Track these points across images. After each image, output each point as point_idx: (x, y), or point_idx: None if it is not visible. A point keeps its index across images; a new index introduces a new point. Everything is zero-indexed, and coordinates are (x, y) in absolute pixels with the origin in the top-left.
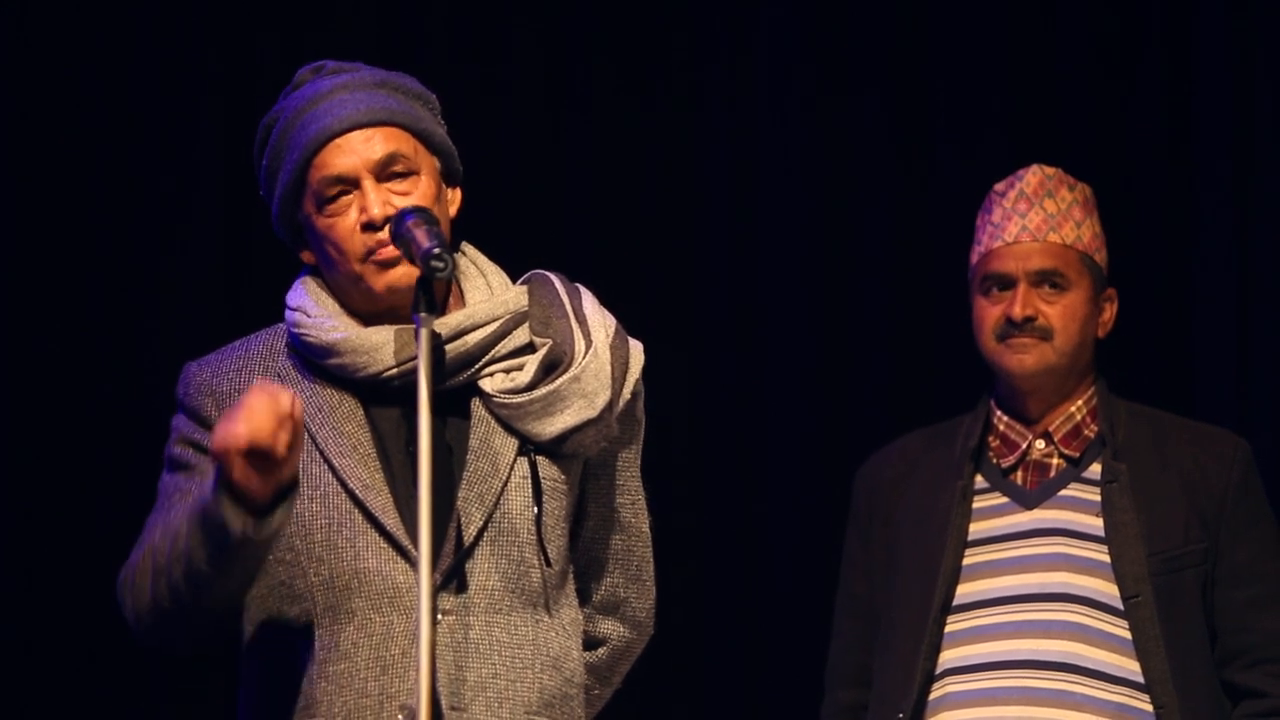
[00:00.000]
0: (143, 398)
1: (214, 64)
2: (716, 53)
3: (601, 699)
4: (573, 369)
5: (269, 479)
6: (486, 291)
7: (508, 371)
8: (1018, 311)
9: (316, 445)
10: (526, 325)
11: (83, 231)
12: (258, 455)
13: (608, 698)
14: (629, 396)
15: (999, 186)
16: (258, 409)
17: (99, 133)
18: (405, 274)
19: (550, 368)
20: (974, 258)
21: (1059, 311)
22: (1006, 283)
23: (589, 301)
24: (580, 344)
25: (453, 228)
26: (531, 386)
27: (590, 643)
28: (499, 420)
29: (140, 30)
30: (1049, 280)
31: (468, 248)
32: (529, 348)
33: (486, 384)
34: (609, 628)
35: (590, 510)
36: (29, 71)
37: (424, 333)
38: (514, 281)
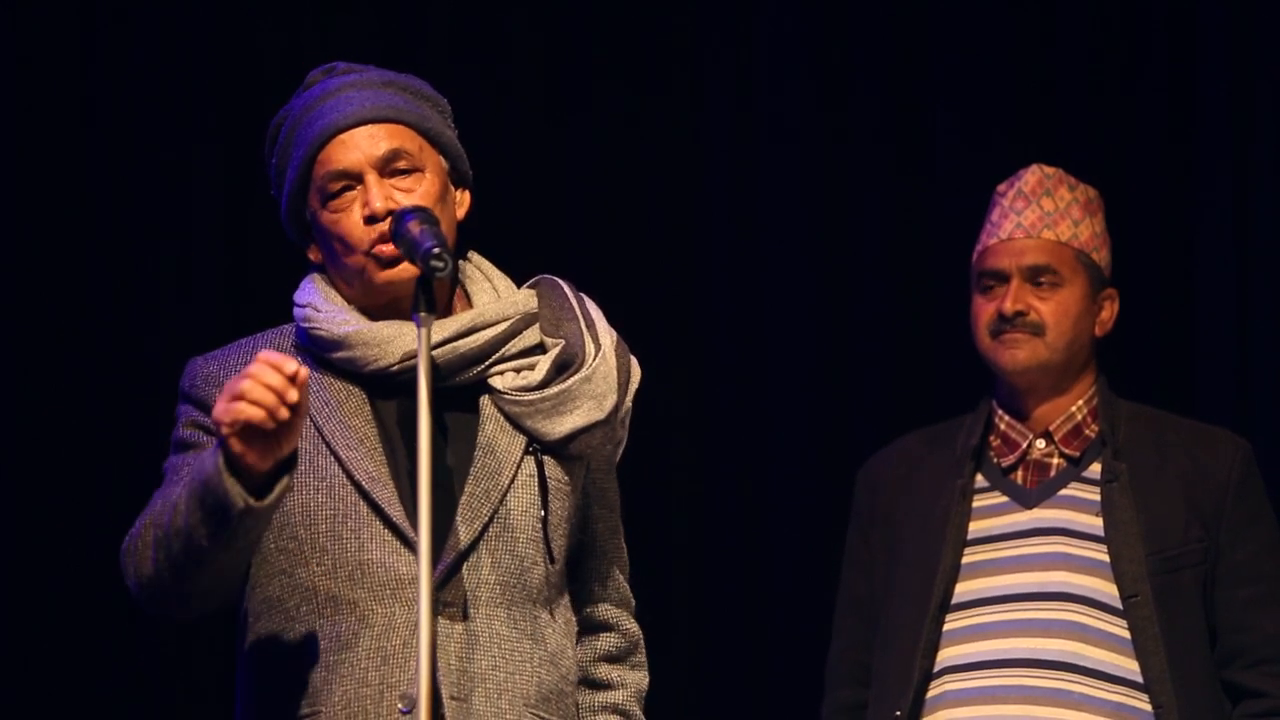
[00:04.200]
0: (143, 400)
1: (214, 64)
2: (717, 53)
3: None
4: (584, 370)
5: (269, 451)
6: (493, 294)
7: (519, 370)
8: (1008, 306)
9: (323, 438)
10: (537, 326)
11: (83, 233)
12: (258, 428)
13: None
14: (629, 405)
15: (1000, 187)
16: (261, 378)
17: (100, 133)
18: (405, 269)
19: (563, 367)
20: (973, 256)
21: (1051, 308)
22: (1001, 278)
23: (594, 308)
24: (590, 346)
25: (461, 230)
26: (544, 384)
27: (628, 645)
28: (507, 418)
29: (141, 30)
30: (1042, 276)
31: (474, 255)
32: (539, 348)
33: (497, 381)
34: (633, 626)
35: (596, 514)
36: (30, 72)
37: (424, 332)
38: (520, 285)
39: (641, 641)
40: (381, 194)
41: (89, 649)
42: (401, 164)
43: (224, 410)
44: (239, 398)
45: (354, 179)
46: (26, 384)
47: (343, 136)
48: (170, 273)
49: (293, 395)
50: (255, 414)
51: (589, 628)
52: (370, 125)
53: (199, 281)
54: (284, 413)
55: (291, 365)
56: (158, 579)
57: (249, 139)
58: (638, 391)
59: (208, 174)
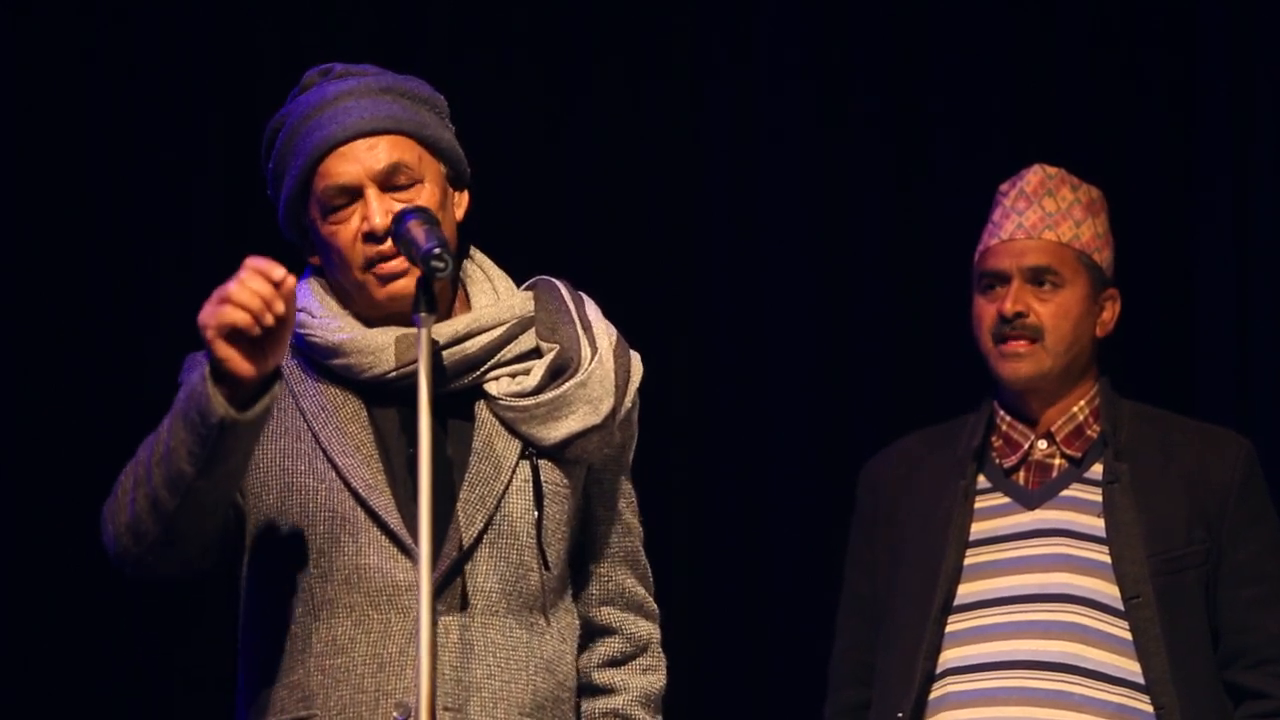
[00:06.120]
0: (143, 399)
1: (214, 64)
2: (717, 54)
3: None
4: (579, 375)
5: (254, 358)
6: (493, 296)
7: (514, 375)
8: (1008, 307)
9: (319, 444)
10: (533, 330)
11: (83, 233)
12: (243, 334)
13: None
14: (630, 405)
15: (1003, 186)
16: (249, 284)
17: (100, 133)
18: (407, 285)
19: (557, 373)
20: (975, 256)
21: (1051, 310)
22: (1002, 279)
23: (592, 309)
24: (586, 350)
25: (461, 230)
26: (538, 390)
27: (633, 649)
28: (503, 423)
29: (141, 30)
30: (1043, 277)
31: (475, 253)
32: (535, 353)
33: (492, 387)
34: (642, 627)
35: (600, 515)
36: (30, 72)
37: (424, 332)
38: (519, 286)
39: (653, 644)
40: (382, 209)
41: (89, 648)
42: (401, 178)
43: (210, 313)
44: (225, 300)
45: (354, 193)
46: (26, 384)
47: (342, 149)
48: (170, 273)
49: (279, 306)
50: (241, 318)
51: (593, 632)
52: (370, 137)
53: (199, 281)
54: (269, 319)
55: (279, 272)
56: (135, 523)
57: (249, 139)
58: (640, 388)
59: (208, 174)
